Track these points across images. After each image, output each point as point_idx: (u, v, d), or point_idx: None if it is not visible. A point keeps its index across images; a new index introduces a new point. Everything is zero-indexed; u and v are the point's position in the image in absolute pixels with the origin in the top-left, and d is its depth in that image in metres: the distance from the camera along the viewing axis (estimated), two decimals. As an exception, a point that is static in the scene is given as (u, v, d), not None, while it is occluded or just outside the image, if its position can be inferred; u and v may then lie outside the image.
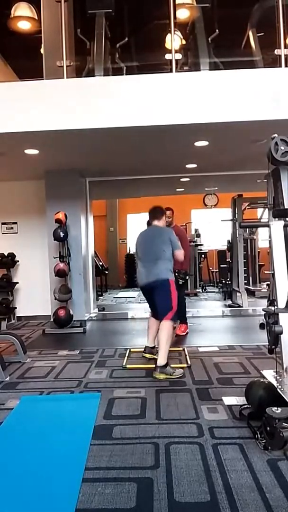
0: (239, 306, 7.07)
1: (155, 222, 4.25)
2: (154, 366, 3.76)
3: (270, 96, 3.89)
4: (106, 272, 10.29)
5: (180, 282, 5.27)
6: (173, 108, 3.97)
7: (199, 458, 2.27)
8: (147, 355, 4.24)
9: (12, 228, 6.91)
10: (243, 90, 3.94)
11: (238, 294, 7.26)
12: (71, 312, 5.87)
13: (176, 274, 5.19)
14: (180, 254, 4.16)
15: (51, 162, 5.66)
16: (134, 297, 9.49)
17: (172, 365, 3.76)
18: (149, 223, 4.39)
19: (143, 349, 4.38)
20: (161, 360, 3.70)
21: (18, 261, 6.77)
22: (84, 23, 4.59)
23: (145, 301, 4.55)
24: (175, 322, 5.48)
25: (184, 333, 5.32)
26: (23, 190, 6.80)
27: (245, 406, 2.77)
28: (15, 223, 6.90)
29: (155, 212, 4.28)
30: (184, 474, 2.11)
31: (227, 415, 2.80)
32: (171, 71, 4.07)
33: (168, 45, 4.29)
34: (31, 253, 6.76)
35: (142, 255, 4.18)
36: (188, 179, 6.99)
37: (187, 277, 5.50)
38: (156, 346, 4.21)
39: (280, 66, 4.01)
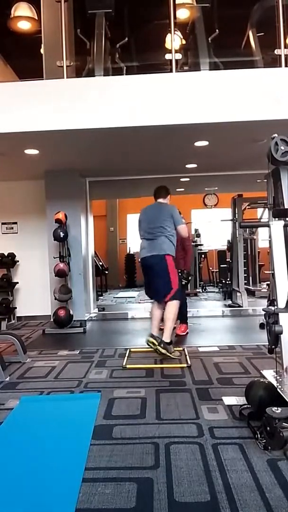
0: (239, 306, 7.07)
1: (160, 200, 4.40)
2: (154, 366, 3.86)
3: (272, 96, 3.89)
4: (106, 272, 10.29)
5: (184, 283, 5.29)
6: (173, 108, 3.97)
7: (199, 458, 2.27)
8: (150, 339, 4.18)
9: (12, 228, 6.91)
10: (243, 90, 3.95)
11: (238, 294, 7.26)
12: (71, 312, 5.87)
13: (180, 274, 5.22)
14: (183, 229, 4.27)
15: (51, 162, 5.66)
16: (134, 297, 9.49)
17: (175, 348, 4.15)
18: None
19: (144, 349, 4.39)
20: (166, 337, 4.08)
21: (18, 261, 6.78)
22: (84, 23, 4.60)
23: (145, 301, 4.59)
24: (181, 324, 5.51)
25: (184, 333, 5.32)
26: (23, 190, 6.80)
27: (245, 406, 2.77)
28: (15, 223, 6.90)
29: (161, 190, 4.46)
30: (184, 474, 2.11)
31: (227, 415, 2.80)
32: (171, 71, 4.07)
33: (168, 45, 4.30)
34: (31, 253, 6.76)
35: (144, 230, 4.27)
36: (188, 179, 6.99)
37: (190, 278, 5.51)
38: (159, 337, 4.24)
39: (280, 66, 4.01)
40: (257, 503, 1.87)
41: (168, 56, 4.09)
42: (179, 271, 5.22)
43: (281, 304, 2.56)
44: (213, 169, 6.45)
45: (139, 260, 4.48)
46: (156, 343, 4.12)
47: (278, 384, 2.55)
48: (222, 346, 4.66)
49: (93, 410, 2.94)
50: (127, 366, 3.99)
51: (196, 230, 10.55)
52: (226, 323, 6.33)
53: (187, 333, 5.35)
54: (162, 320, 4.33)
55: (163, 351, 4.02)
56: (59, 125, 4.04)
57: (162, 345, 4.06)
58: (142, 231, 4.35)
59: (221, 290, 9.26)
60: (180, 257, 5.31)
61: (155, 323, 4.36)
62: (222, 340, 4.98)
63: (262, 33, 4.66)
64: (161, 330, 4.26)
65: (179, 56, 4.12)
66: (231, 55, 4.59)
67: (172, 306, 4.12)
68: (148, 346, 4.22)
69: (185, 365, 3.95)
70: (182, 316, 5.43)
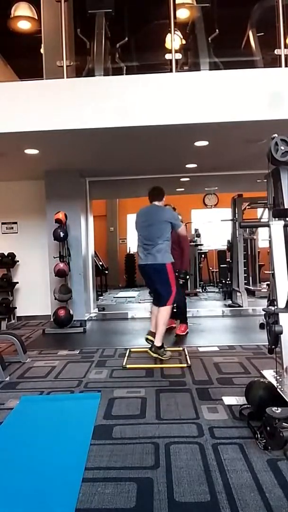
0: (239, 306, 7.07)
1: (155, 203, 4.35)
2: (154, 366, 3.92)
3: (269, 98, 3.89)
4: (106, 272, 10.29)
5: (181, 282, 5.30)
6: (173, 108, 3.97)
7: (199, 458, 2.27)
8: (149, 337, 4.31)
9: (12, 228, 6.91)
10: (243, 90, 3.94)
11: (238, 294, 7.27)
12: (71, 312, 5.87)
13: (177, 273, 5.23)
14: (182, 230, 4.35)
15: (51, 162, 5.66)
16: (134, 297, 9.49)
17: (166, 348, 4.27)
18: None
19: (144, 349, 4.41)
20: (158, 341, 4.17)
21: (18, 261, 6.77)
22: (84, 23, 4.59)
23: (145, 301, 4.63)
24: (175, 321, 5.52)
25: (184, 333, 5.32)
26: (23, 190, 6.80)
27: (245, 406, 2.77)
28: (15, 223, 6.90)
29: (156, 192, 4.36)
30: (184, 474, 2.11)
31: (227, 415, 2.80)
32: (171, 71, 4.07)
33: (168, 45, 4.29)
34: (31, 253, 6.76)
35: (141, 235, 4.29)
36: (188, 179, 6.99)
37: (188, 277, 5.52)
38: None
39: (280, 66, 4.01)
40: (257, 503, 1.87)
41: (168, 56, 4.08)
42: (177, 270, 5.24)
43: (281, 304, 2.56)
44: (213, 169, 6.44)
45: (138, 266, 4.51)
46: (153, 338, 4.25)
47: (278, 384, 2.55)
48: (222, 346, 4.66)
49: (93, 410, 2.94)
50: (127, 366, 4.00)
51: (196, 230, 10.55)
52: (226, 323, 6.33)
53: (187, 333, 5.36)
54: None
55: (154, 355, 4.15)
56: (59, 125, 4.04)
57: (153, 349, 4.18)
58: (139, 234, 4.35)
59: (221, 290, 9.26)
60: (177, 257, 5.32)
61: (154, 318, 4.41)
62: (222, 340, 4.98)
63: (262, 33, 4.66)
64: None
65: (179, 56, 4.12)
66: (231, 55, 4.59)
67: (165, 311, 4.22)
68: (147, 343, 4.31)
69: (185, 365, 3.95)
70: (182, 316, 5.44)
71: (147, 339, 4.31)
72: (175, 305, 5.26)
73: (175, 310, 5.43)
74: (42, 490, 2.06)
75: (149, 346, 4.29)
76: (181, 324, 5.42)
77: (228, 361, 4.06)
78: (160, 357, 4.15)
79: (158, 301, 4.36)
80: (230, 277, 7.86)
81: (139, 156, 5.55)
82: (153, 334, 4.32)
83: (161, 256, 4.12)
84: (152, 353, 4.18)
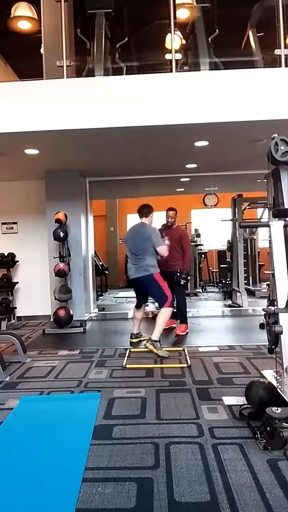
0: (239, 306, 7.07)
1: (143, 220, 4.75)
2: (154, 366, 3.94)
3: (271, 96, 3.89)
4: (106, 272, 10.28)
5: (182, 282, 5.32)
6: (173, 108, 3.96)
7: (199, 458, 2.27)
8: (134, 340, 4.79)
9: (12, 228, 6.91)
10: (243, 90, 3.94)
11: (238, 294, 7.26)
12: (71, 312, 5.87)
13: (178, 274, 5.25)
14: (162, 249, 4.62)
15: (51, 162, 5.66)
16: (134, 297, 9.47)
17: (164, 347, 4.42)
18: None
19: (144, 349, 4.43)
20: (155, 335, 4.38)
21: (18, 261, 6.77)
22: (84, 23, 4.59)
23: (135, 304, 4.83)
24: (175, 321, 5.53)
25: (184, 333, 5.32)
26: (23, 190, 6.79)
27: (245, 406, 2.77)
28: (15, 223, 6.90)
29: (143, 210, 4.79)
30: (184, 474, 2.11)
31: (227, 415, 2.80)
32: (171, 71, 4.07)
33: (168, 45, 4.29)
34: (31, 253, 6.76)
35: (130, 251, 4.73)
36: (188, 179, 6.99)
37: (189, 278, 5.54)
38: (140, 332, 4.96)
39: (280, 66, 4.01)
40: (257, 503, 1.87)
41: (168, 56, 4.09)
42: (178, 271, 5.25)
43: (281, 304, 2.56)
44: (213, 169, 6.44)
45: (129, 280, 4.94)
46: (137, 340, 4.70)
47: (278, 384, 2.55)
48: (222, 346, 4.66)
49: (93, 410, 2.94)
50: (127, 366, 4.00)
51: (196, 230, 10.55)
52: (226, 323, 6.33)
53: (187, 333, 5.36)
54: (154, 318, 4.85)
55: (151, 347, 4.33)
56: (59, 125, 4.04)
57: (150, 341, 4.38)
58: (128, 250, 4.78)
59: (221, 290, 9.26)
60: (178, 258, 5.33)
61: (136, 322, 4.95)
62: (222, 340, 4.98)
63: (262, 33, 4.66)
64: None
65: (179, 56, 4.12)
66: (231, 55, 4.59)
67: (165, 312, 4.51)
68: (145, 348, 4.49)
69: (185, 365, 3.95)
70: (182, 316, 5.44)
71: (132, 343, 4.70)
72: (175, 305, 5.30)
73: (175, 310, 5.45)
74: (42, 490, 2.06)
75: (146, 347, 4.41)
76: (181, 324, 5.42)
77: (228, 361, 4.06)
78: (154, 350, 4.28)
79: (142, 305, 4.92)
80: (230, 277, 7.86)
81: (139, 156, 5.55)
82: (135, 335, 4.80)
83: (148, 269, 4.51)
84: (148, 344, 4.37)
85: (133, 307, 5.14)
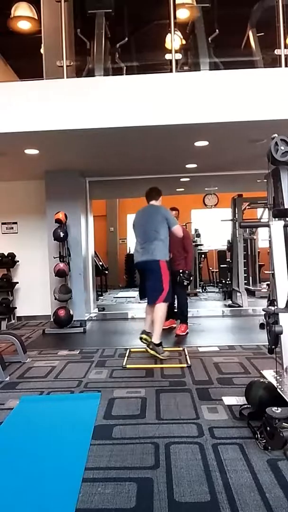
0: (239, 306, 7.07)
1: (152, 202, 4.44)
2: (154, 366, 3.93)
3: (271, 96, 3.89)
4: (106, 272, 10.28)
5: (185, 283, 5.31)
6: (173, 108, 3.97)
7: (199, 458, 2.27)
8: (143, 336, 4.35)
9: (12, 228, 6.91)
10: (243, 90, 3.94)
11: (238, 294, 7.27)
12: (71, 312, 5.87)
13: (181, 274, 5.23)
14: (178, 230, 4.32)
15: (51, 162, 5.66)
16: (134, 297, 9.48)
17: (166, 348, 4.26)
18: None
19: (144, 349, 4.41)
20: (155, 338, 4.17)
21: (18, 261, 6.77)
22: (84, 23, 4.60)
23: (145, 301, 4.62)
24: (175, 321, 5.52)
25: (184, 333, 5.32)
26: (23, 190, 6.80)
27: (245, 406, 2.77)
28: (15, 223, 6.90)
29: (152, 193, 4.47)
30: (184, 474, 2.11)
31: (227, 415, 2.80)
32: (171, 71, 4.07)
33: (168, 45, 4.30)
34: (31, 253, 6.76)
35: (138, 234, 4.37)
36: (188, 179, 6.99)
37: (191, 278, 5.53)
38: (151, 333, 4.38)
39: (280, 66, 4.01)
40: (257, 503, 1.87)
41: (168, 56, 4.09)
42: (180, 271, 5.24)
43: (281, 304, 2.56)
44: (213, 169, 6.44)
45: (135, 264, 4.54)
46: (148, 340, 4.26)
47: (278, 384, 2.55)
48: (222, 346, 4.66)
49: (93, 410, 2.94)
50: (127, 366, 4.00)
51: (196, 230, 10.55)
52: (226, 323, 6.33)
53: (187, 333, 5.36)
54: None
55: (152, 352, 4.13)
56: (59, 125, 4.04)
57: (151, 346, 4.16)
58: (136, 234, 4.44)
59: (221, 290, 9.26)
60: (181, 258, 5.33)
61: (149, 318, 4.47)
62: (222, 340, 4.98)
63: (262, 33, 4.66)
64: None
65: (179, 56, 4.13)
66: (231, 55, 4.59)
67: (160, 309, 4.20)
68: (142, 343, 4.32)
69: (185, 365, 3.95)
70: (182, 316, 5.44)
71: (141, 339, 4.32)
72: (175, 305, 5.30)
73: (175, 310, 5.45)
74: (42, 490, 2.06)
75: (145, 344, 4.30)
76: (181, 324, 5.42)
77: (228, 361, 4.06)
78: (157, 355, 4.13)
79: (149, 298, 4.41)
80: (230, 277, 7.86)
81: (139, 156, 5.55)
82: (147, 333, 4.36)
83: (156, 253, 4.16)
84: (149, 350, 4.16)
85: (135, 305, 5.02)
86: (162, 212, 4.30)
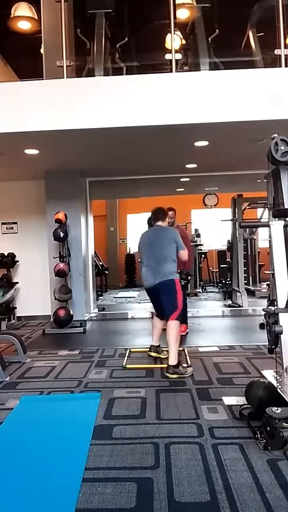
0: (239, 306, 7.06)
1: (159, 223, 4.28)
2: (154, 366, 3.88)
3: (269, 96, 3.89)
4: (106, 272, 10.28)
5: (183, 283, 5.29)
6: (173, 108, 3.97)
7: (199, 458, 2.27)
8: (152, 354, 4.26)
9: (12, 228, 6.91)
10: (243, 90, 3.94)
11: (238, 294, 7.26)
12: (71, 312, 5.87)
13: (179, 274, 5.22)
14: (184, 254, 4.20)
15: (51, 162, 5.66)
16: (134, 297, 9.49)
17: (183, 365, 3.82)
18: (149, 222, 4.44)
19: (144, 349, 4.42)
20: (172, 360, 3.74)
21: (18, 261, 6.77)
22: (84, 23, 4.60)
23: (145, 301, 4.58)
24: (181, 324, 5.49)
25: (184, 333, 5.31)
26: (23, 190, 6.80)
27: (245, 406, 2.77)
28: (15, 223, 6.90)
29: (158, 214, 4.30)
30: (184, 474, 2.11)
31: (227, 415, 2.80)
32: (171, 71, 4.07)
33: (168, 45, 4.29)
34: (31, 253, 6.76)
35: (147, 256, 4.17)
36: (188, 179, 6.99)
37: (190, 278, 5.52)
38: (161, 345, 4.30)
39: (280, 66, 4.01)
40: (257, 503, 1.87)
41: (168, 56, 4.09)
42: (179, 271, 5.23)
43: (281, 304, 2.56)
44: (213, 169, 6.44)
45: (145, 287, 4.31)
46: (155, 355, 4.18)
47: (278, 384, 2.55)
48: (222, 346, 4.66)
49: (93, 410, 2.94)
50: (127, 366, 4.00)
51: (196, 230, 10.55)
52: (226, 323, 6.33)
53: (187, 333, 5.35)
54: (164, 329, 4.24)
55: (174, 376, 3.67)
56: (59, 125, 4.04)
57: (171, 371, 3.71)
58: (143, 257, 4.26)
59: (221, 290, 9.26)
60: (179, 258, 5.31)
61: (156, 331, 4.37)
62: (222, 340, 4.98)
63: (262, 33, 4.66)
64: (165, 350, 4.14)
65: (179, 56, 4.12)
66: (231, 55, 4.59)
67: (173, 327, 3.93)
68: (147, 347, 4.30)
69: (185, 365, 3.94)
70: (182, 317, 5.42)
71: (149, 355, 4.23)
72: None
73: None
74: (42, 490, 2.06)
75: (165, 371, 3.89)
76: (181, 325, 5.39)
77: (228, 361, 4.06)
78: (182, 375, 3.68)
79: (164, 315, 4.16)
80: (230, 277, 7.85)
81: (139, 156, 5.55)
82: (155, 348, 4.27)
83: (170, 273, 4.04)
84: (170, 376, 3.67)
85: (135, 305, 4.96)
86: (171, 233, 4.18)
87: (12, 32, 4.84)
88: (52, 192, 6.26)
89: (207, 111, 3.96)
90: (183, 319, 5.41)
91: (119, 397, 3.19)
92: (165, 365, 3.89)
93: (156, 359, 4.19)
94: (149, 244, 4.21)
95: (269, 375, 2.73)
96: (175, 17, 4.23)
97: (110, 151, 5.17)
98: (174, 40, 4.16)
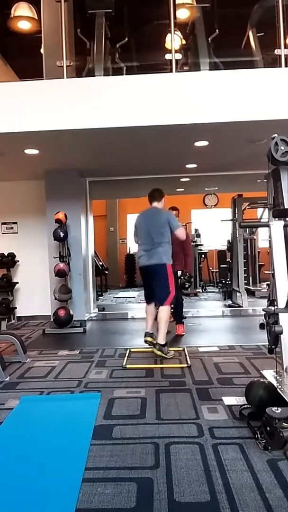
0: (239, 306, 7.07)
1: (154, 204, 4.45)
2: (154, 366, 3.93)
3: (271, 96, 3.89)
4: (106, 272, 10.29)
5: (187, 285, 5.32)
6: (173, 108, 3.97)
7: (199, 458, 2.27)
8: (148, 339, 4.39)
9: (12, 228, 6.91)
10: (243, 90, 3.94)
11: (238, 294, 7.26)
12: (71, 312, 5.87)
13: (181, 277, 5.23)
14: (181, 232, 4.35)
15: (51, 162, 5.66)
16: (134, 297, 9.49)
17: (170, 348, 4.30)
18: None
19: (144, 349, 4.43)
20: (160, 339, 4.23)
21: (18, 261, 6.77)
22: (84, 23, 4.60)
23: (145, 301, 4.62)
24: (179, 325, 5.50)
25: (183, 333, 5.32)
26: (23, 190, 6.80)
27: (245, 406, 2.77)
28: (15, 223, 6.90)
29: (155, 194, 4.47)
30: (184, 474, 2.11)
31: (227, 415, 2.80)
32: (171, 71, 4.07)
33: (168, 45, 4.29)
34: (31, 253, 6.76)
35: (141, 238, 4.38)
36: (188, 179, 6.99)
37: (192, 280, 5.54)
38: (154, 333, 4.44)
39: (280, 66, 4.01)
40: (257, 503, 1.87)
41: (168, 56, 4.09)
42: (180, 273, 5.24)
43: (281, 304, 2.56)
44: (213, 169, 6.45)
45: (138, 267, 4.58)
46: (154, 342, 4.30)
47: (278, 384, 2.55)
48: (222, 346, 4.66)
49: (93, 410, 2.94)
50: (127, 366, 4.00)
51: (196, 230, 10.55)
52: (226, 323, 6.33)
53: (183, 334, 5.34)
54: (156, 319, 4.47)
55: (159, 352, 4.20)
56: (59, 125, 4.04)
57: (157, 347, 4.23)
58: (139, 237, 4.44)
59: (221, 290, 9.26)
60: (180, 257, 5.32)
61: (150, 318, 4.53)
62: (222, 340, 4.98)
63: (262, 33, 4.66)
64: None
65: (179, 56, 4.12)
66: (231, 55, 4.59)
67: (165, 311, 4.32)
68: (148, 346, 4.36)
69: (185, 365, 3.95)
70: (178, 316, 5.43)
71: (146, 341, 4.37)
72: (172, 305, 5.26)
73: (172, 310, 5.44)
74: (42, 490, 2.06)
75: (150, 346, 4.33)
76: (179, 325, 5.40)
77: (228, 361, 4.06)
78: (164, 355, 4.19)
79: (152, 300, 4.48)
80: (230, 277, 7.85)
81: (139, 156, 5.55)
82: (150, 335, 4.39)
83: (163, 257, 4.24)
84: (156, 351, 4.22)
85: (135, 305, 5.05)
86: (165, 214, 4.36)
87: (12, 32, 4.84)
88: (52, 192, 6.26)
89: (207, 111, 3.96)
90: (179, 319, 5.42)
91: (119, 397, 3.19)
92: (165, 365, 3.96)
93: (156, 359, 4.19)
94: (144, 226, 4.39)
95: (269, 375, 2.74)
96: (175, 17, 4.23)
97: (110, 151, 5.17)
98: (174, 40, 4.16)
